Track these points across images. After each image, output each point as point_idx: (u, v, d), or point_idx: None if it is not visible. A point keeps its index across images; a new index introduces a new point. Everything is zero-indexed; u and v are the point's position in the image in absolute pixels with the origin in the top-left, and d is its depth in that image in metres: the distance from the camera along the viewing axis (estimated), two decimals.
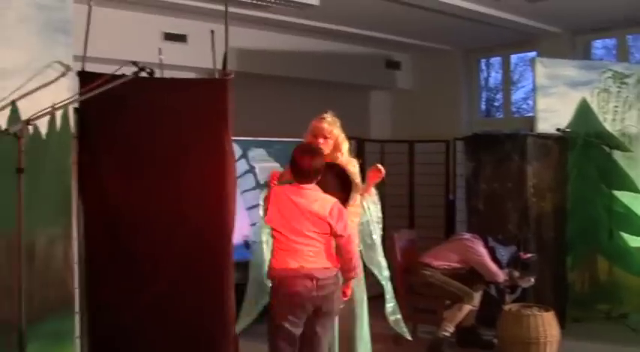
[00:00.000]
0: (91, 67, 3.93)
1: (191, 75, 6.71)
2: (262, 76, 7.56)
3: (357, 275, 4.05)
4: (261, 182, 6.67)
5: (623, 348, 5.59)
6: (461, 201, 7.32)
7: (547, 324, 5.02)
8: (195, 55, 6.62)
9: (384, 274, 4.56)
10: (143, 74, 3.53)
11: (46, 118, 3.51)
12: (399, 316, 4.68)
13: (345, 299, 4.00)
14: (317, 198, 3.79)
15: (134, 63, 3.48)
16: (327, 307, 3.76)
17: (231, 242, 4.01)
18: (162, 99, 3.93)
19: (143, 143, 3.92)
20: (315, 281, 3.68)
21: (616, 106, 6.63)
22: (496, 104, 10.08)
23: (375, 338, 5.92)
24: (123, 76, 3.54)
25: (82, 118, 3.87)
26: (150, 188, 3.89)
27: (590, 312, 6.10)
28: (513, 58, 9.23)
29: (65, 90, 3.65)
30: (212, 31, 4.09)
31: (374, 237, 4.49)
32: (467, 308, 5.41)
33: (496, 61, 9.57)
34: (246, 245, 6.44)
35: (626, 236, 6.52)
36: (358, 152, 6.96)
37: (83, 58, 3.94)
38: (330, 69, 8.38)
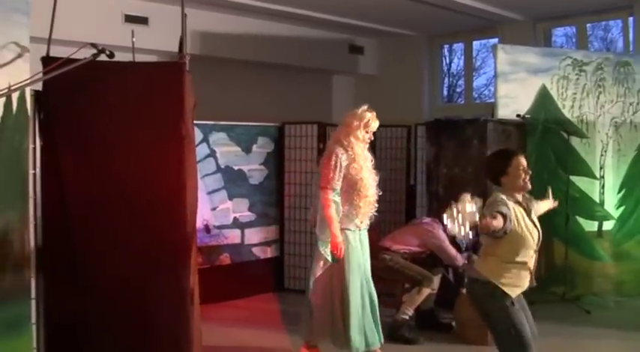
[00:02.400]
0: (51, 50, 3.89)
1: (153, 58, 6.67)
2: (224, 59, 7.54)
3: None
4: (222, 166, 6.68)
5: (577, 328, 5.77)
6: (422, 185, 7.40)
7: None
8: (157, 37, 6.59)
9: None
10: (103, 57, 3.50)
11: (2, 101, 3.44)
12: None
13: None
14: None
15: (93, 45, 3.45)
16: None
17: (191, 227, 4.00)
18: (119, 82, 3.90)
19: (100, 127, 3.88)
20: None
21: (574, 93, 6.75)
22: (458, 90, 10.20)
23: None
24: (83, 59, 3.50)
25: (42, 101, 3.83)
26: (107, 172, 3.88)
27: (545, 295, 6.24)
28: (476, 44, 9.35)
29: (24, 73, 3.57)
30: (185, 15, 4.05)
31: None
32: (426, 291, 5.48)
33: (459, 47, 9.67)
34: (207, 229, 6.46)
35: (581, 220, 6.71)
36: (320, 136, 7.00)
37: (48, 41, 3.89)
38: (293, 53, 8.37)
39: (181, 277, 3.94)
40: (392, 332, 5.40)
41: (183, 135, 3.93)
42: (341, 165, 4.63)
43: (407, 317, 5.46)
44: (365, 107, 4.80)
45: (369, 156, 4.82)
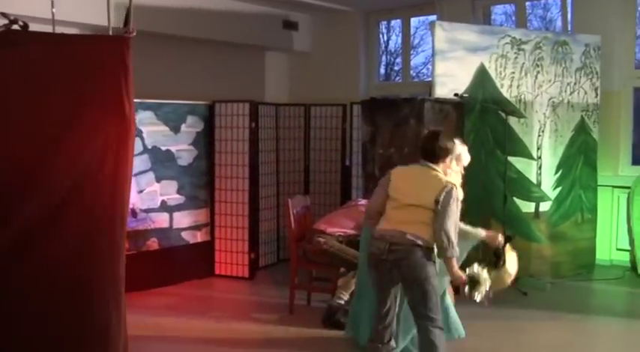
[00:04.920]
0: None
1: (73, 31, 6.52)
2: (151, 33, 7.38)
3: None
4: (149, 147, 6.60)
5: (513, 310, 5.95)
6: (357, 166, 7.48)
7: None
8: (77, 9, 6.44)
9: None
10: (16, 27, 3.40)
11: None
12: None
13: None
14: None
15: (4, 14, 3.34)
16: None
17: (125, 212, 3.96)
18: (50, 56, 3.77)
19: (29, 104, 3.74)
20: None
21: (512, 72, 6.90)
22: (396, 68, 10.30)
23: (272, 307, 6.08)
24: None
25: None
26: (37, 153, 3.74)
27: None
28: (414, 21, 9.44)
29: None
30: None
31: None
32: None
33: (397, 23, 9.75)
34: (133, 213, 6.39)
35: (518, 201, 6.89)
36: (252, 115, 6.98)
37: None
38: (224, 28, 8.30)
39: (115, 264, 3.90)
40: (327, 317, 5.47)
41: (127, 115, 3.87)
42: None
43: (342, 302, 5.50)
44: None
45: None
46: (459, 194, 4.12)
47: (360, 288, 4.91)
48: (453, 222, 4.07)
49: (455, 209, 4.07)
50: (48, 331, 3.79)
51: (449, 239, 4.03)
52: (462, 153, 4.40)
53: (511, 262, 4.63)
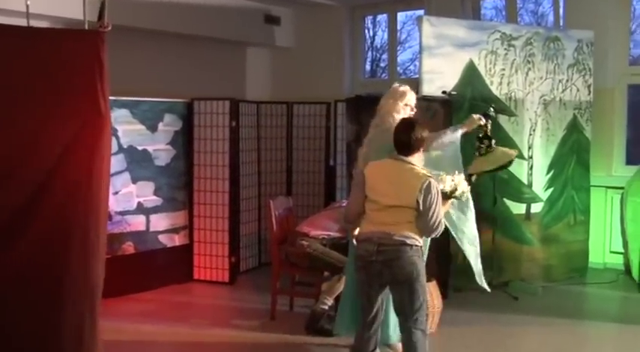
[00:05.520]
0: None
1: (44, 24, 6.51)
2: (127, 28, 7.36)
3: None
4: (125, 146, 6.59)
5: (504, 315, 6.00)
6: (341, 166, 7.50)
7: (429, 294, 5.25)
8: (60, 2, 6.42)
9: None
10: None
11: None
12: None
13: None
14: None
15: None
16: None
17: (101, 211, 3.97)
18: (21, 50, 3.78)
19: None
20: None
21: (502, 69, 6.95)
22: (382, 65, 10.33)
23: (253, 312, 6.09)
24: None
25: None
26: (7, 150, 3.75)
27: (472, 281, 6.43)
28: (400, 15, 9.46)
29: None
30: None
31: None
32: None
33: (383, 18, 9.78)
34: (109, 216, 6.35)
35: (509, 203, 6.96)
36: (232, 114, 6.99)
37: None
38: (203, 23, 8.29)
39: (89, 264, 3.91)
40: (311, 323, 5.47)
41: (103, 113, 3.88)
42: None
43: (326, 308, 5.50)
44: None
45: None
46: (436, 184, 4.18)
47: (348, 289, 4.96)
48: (439, 215, 4.13)
49: (437, 202, 4.11)
50: (14, 335, 3.79)
51: (440, 229, 4.17)
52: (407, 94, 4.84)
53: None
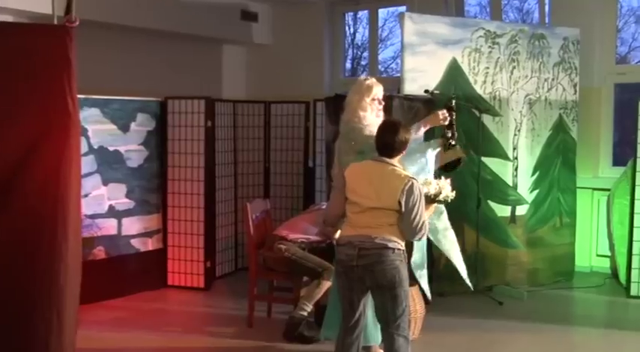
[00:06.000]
0: None
1: (7, 18, 6.47)
2: (98, 23, 7.34)
3: None
4: (95, 146, 6.56)
5: (488, 321, 6.03)
6: (321, 168, 7.51)
7: (411, 300, 5.28)
8: None
9: None
10: None
11: None
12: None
13: None
14: None
15: None
16: None
17: (68, 213, 3.94)
18: None
19: None
20: None
21: (487, 68, 6.99)
22: (363, 63, 10.34)
23: (229, 319, 6.07)
24: None
25: None
26: None
27: (455, 286, 6.49)
28: (382, 12, 9.50)
29: None
30: None
31: None
32: (326, 284, 5.51)
33: (364, 15, 9.80)
34: None
35: (493, 205, 7.00)
36: (208, 113, 6.98)
37: None
38: (177, 18, 8.27)
39: (56, 268, 3.89)
40: (289, 330, 5.46)
41: (71, 112, 3.85)
42: None
43: (305, 314, 5.50)
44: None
45: None
46: (419, 185, 4.20)
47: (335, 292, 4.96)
48: (421, 217, 4.13)
49: (420, 204, 4.12)
50: None
51: (423, 232, 4.17)
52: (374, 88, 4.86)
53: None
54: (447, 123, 5.26)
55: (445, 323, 5.90)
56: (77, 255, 4.08)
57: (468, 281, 5.56)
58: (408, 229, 4.14)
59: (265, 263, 5.83)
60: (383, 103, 4.98)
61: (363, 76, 5.12)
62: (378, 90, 4.95)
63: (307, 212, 6.23)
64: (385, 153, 4.25)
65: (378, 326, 4.42)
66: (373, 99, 4.91)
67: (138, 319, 6.15)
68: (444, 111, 5.13)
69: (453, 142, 5.35)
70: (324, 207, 5.93)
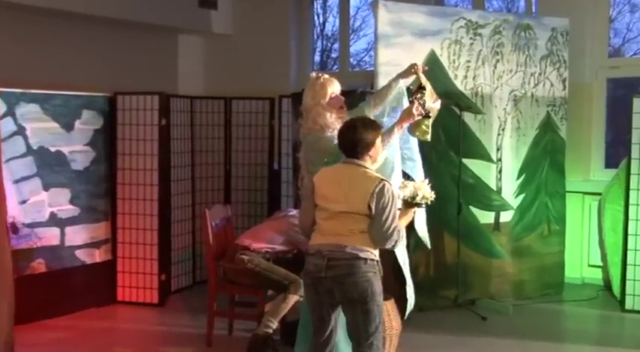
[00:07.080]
0: None
1: None
2: (37, 9, 7.24)
3: None
4: (34, 147, 6.45)
5: (470, 338, 6.02)
6: (287, 171, 7.47)
7: (386, 315, 5.24)
8: None
9: None
10: None
11: None
12: None
13: None
14: None
15: None
16: None
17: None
18: None
19: None
20: None
21: (468, 61, 6.98)
22: (333, 55, 10.34)
23: (186, 338, 6.02)
24: None
25: None
26: None
27: (434, 299, 6.47)
28: (354, 0, 9.49)
29: None
30: None
31: None
32: (293, 298, 5.50)
33: (334, 3, 9.79)
34: (14, 229, 6.23)
35: (475, 211, 6.99)
36: (162, 110, 6.91)
37: None
38: (128, 5, 8.22)
39: None
40: (253, 349, 5.42)
41: None
42: None
43: (270, 331, 5.48)
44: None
45: None
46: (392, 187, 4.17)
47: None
48: (393, 221, 4.10)
49: (391, 206, 4.09)
50: None
51: (395, 238, 4.12)
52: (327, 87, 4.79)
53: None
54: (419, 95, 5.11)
55: (423, 340, 5.88)
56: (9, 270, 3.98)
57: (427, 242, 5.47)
58: (379, 234, 4.10)
59: (226, 275, 5.79)
60: (343, 98, 4.90)
61: (313, 73, 5.03)
62: (334, 88, 4.86)
63: (272, 219, 6.18)
64: (351, 154, 4.24)
65: (350, 344, 4.37)
66: (331, 98, 4.83)
67: (83, 340, 6.08)
68: (416, 105, 5.04)
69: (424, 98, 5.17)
70: (290, 213, 5.92)
